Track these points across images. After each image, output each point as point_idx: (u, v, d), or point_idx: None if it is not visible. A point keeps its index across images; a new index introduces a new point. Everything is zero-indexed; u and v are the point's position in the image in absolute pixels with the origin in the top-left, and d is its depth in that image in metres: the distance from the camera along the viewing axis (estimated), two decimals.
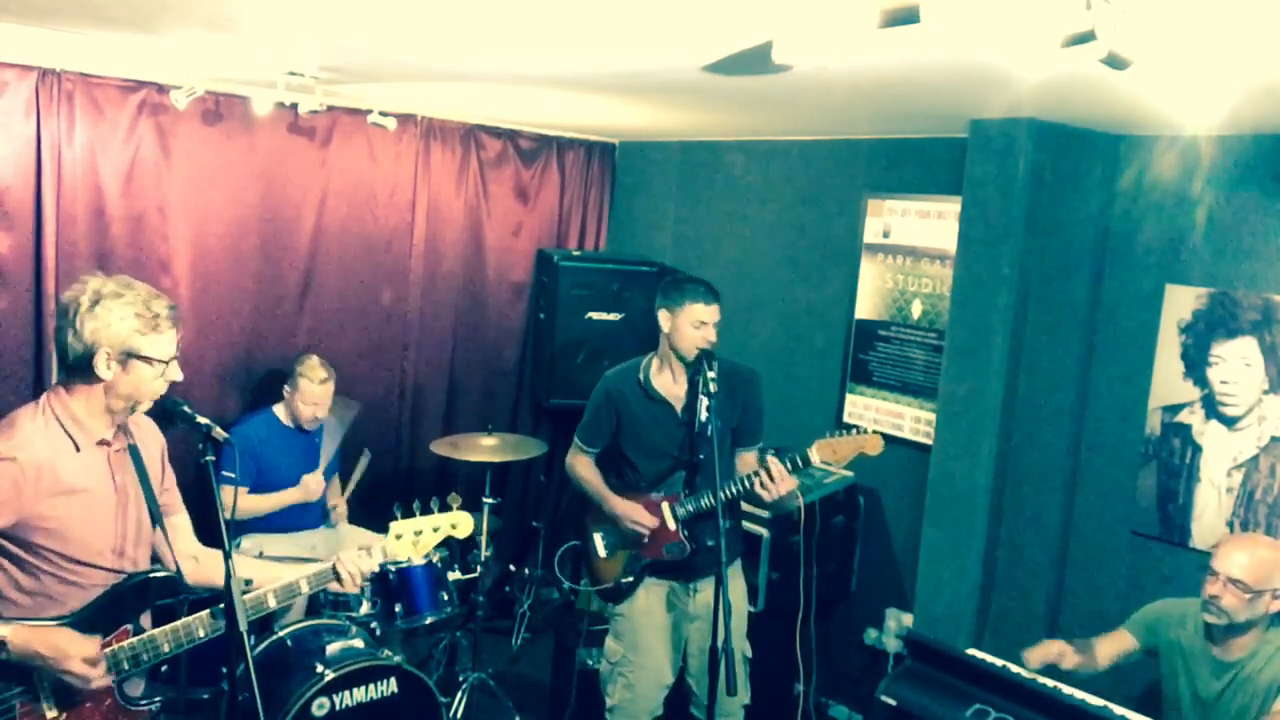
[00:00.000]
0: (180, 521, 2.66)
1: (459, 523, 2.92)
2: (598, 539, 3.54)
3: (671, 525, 3.36)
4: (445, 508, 2.93)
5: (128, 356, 2.30)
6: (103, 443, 2.38)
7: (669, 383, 3.42)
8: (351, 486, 4.50)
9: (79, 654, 2.24)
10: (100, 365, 2.29)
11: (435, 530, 2.88)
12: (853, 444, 3.16)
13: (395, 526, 2.83)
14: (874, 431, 3.18)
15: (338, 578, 2.67)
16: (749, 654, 3.50)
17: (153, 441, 2.59)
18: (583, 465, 3.55)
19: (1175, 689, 2.94)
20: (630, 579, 3.44)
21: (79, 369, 2.31)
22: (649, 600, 3.45)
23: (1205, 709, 2.86)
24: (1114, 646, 3.04)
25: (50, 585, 2.32)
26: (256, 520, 4.10)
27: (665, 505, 3.37)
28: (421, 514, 2.86)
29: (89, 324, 2.27)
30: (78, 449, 2.33)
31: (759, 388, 3.48)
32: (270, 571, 2.63)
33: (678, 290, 3.33)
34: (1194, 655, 2.89)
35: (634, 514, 3.38)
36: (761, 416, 3.50)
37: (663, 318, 3.35)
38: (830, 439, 3.18)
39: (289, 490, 4.16)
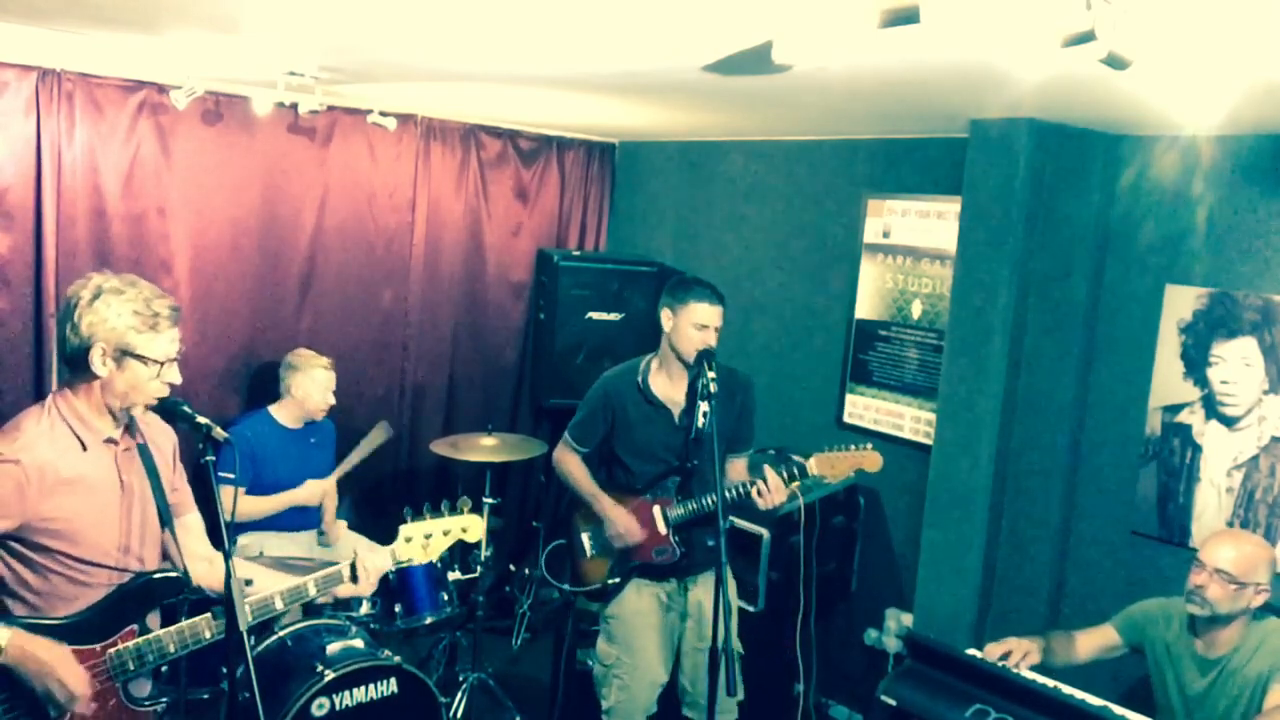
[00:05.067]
0: (192, 521, 2.64)
1: (469, 526, 2.88)
2: (585, 538, 3.49)
3: (662, 529, 3.33)
4: (455, 510, 2.88)
5: (123, 354, 2.29)
6: (110, 441, 2.38)
7: (667, 385, 3.38)
8: (361, 456, 4.38)
9: (72, 677, 2.22)
10: (96, 361, 2.28)
11: (445, 534, 2.84)
12: (850, 460, 3.15)
13: (405, 529, 2.79)
14: (872, 447, 3.17)
15: (354, 578, 2.63)
16: (740, 650, 3.47)
17: (164, 440, 2.59)
18: (573, 463, 3.49)
19: (1163, 688, 2.95)
20: (617, 580, 3.41)
21: (77, 365, 2.31)
22: (640, 600, 3.42)
23: (1192, 706, 2.87)
24: (1097, 641, 3.05)
25: (60, 585, 2.32)
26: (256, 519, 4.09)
27: (657, 509, 3.35)
28: (431, 516, 2.82)
29: (87, 318, 2.27)
30: (84, 448, 2.33)
31: (753, 394, 3.47)
32: (276, 579, 2.61)
33: (683, 289, 3.30)
34: (1179, 652, 2.91)
35: (622, 522, 3.34)
36: (754, 423, 3.48)
37: (664, 316, 3.32)
38: (829, 453, 3.17)
39: (289, 492, 4.13)
